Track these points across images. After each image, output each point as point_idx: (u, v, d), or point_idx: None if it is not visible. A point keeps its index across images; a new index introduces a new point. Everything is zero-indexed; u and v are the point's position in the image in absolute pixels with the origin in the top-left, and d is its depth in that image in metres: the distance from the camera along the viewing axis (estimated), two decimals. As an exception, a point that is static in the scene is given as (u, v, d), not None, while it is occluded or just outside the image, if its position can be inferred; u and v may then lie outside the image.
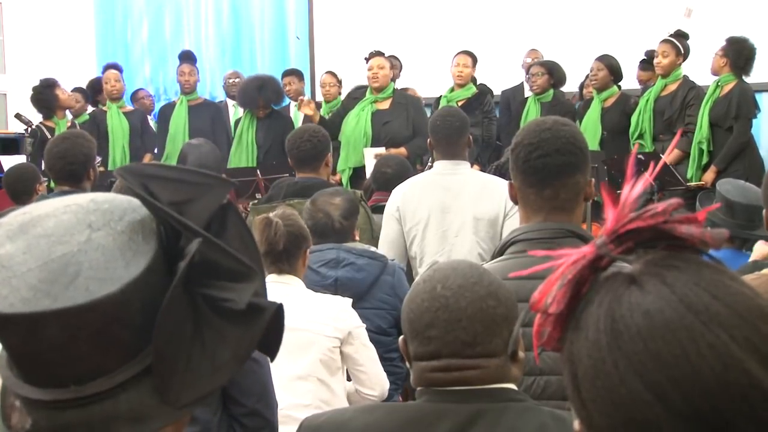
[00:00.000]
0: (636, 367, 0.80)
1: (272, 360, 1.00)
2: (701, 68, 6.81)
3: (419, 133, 6.37)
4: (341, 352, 3.13)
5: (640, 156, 6.32)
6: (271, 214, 3.11)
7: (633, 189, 0.86)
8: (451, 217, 4.00)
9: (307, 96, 7.79)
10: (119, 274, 0.89)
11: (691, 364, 0.78)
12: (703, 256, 0.86)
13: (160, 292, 0.91)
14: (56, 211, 0.94)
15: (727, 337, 0.78)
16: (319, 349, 3.06)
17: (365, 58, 6.80)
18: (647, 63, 7.20)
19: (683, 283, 0.82)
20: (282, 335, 0.98)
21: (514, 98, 7.97)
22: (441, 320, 1.56)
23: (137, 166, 0.98)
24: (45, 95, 7.50)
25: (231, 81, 8.66)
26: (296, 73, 8.30)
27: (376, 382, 3.22)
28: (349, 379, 3.26)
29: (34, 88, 7.56)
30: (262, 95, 7.26)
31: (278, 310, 0.96)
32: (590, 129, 6.86)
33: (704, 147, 6.41)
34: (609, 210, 0.86)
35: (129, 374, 0.91)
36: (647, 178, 0.87)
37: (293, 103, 8.11)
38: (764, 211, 2.67)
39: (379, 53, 6.74)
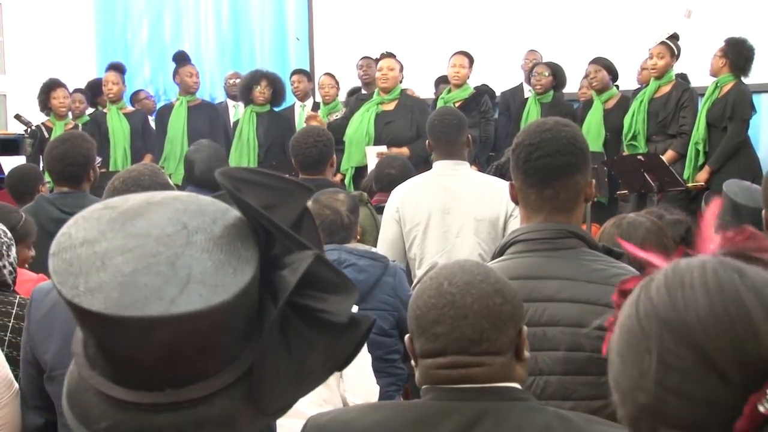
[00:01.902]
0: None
1: (340, 371, 0.99)
2: (700, 69, 6.82)
3: (423, 134, 6.36)
4: None
5: (639, 157, 6.34)
6: None
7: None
8: (452, 218, 4.00)
9: (311, 99, 7.95)
10: (229, 281, 0.87)
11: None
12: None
13: (257, 298, 0.90)
14: (139, 207, 0.92)
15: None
16: None
17: (376, 60, 6.84)
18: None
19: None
20: (361, 348, 0.97)
21: (513, 99, 7.97)
22: (447, 317, 1.56)
23: (231, 170, 0.96)
24: (40, 96, 7.58)
25: (231, 82, 8.68)
26: (304, 73, 8.41)
27: (360, 388, 3.05)
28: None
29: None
30: (260, 74, 7.39)
31: (372, 324, 0.96)
32: (593, 130, 6.87)
33: (700, 148, 6.42)
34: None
35: (227, 380, 0.90)
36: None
37: (299, 103, 8.15)
38: (763, 212, 2.69)
39: (390, 54, 6.78)
